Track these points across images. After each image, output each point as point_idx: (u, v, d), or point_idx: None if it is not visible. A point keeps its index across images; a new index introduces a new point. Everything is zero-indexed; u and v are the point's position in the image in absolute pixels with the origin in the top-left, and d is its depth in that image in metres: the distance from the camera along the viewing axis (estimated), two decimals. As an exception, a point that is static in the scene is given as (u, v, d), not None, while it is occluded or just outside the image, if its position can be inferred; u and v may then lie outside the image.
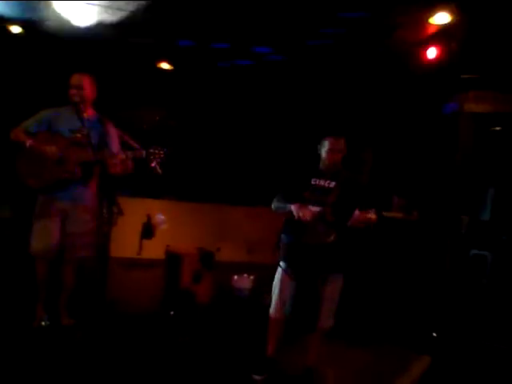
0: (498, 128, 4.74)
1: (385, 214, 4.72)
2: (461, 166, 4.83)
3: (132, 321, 3.69)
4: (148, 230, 5.71)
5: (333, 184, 2.94)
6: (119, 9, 4.10)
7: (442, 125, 5.03)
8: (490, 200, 4.56)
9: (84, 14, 4.24)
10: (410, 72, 4.79)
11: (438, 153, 5.06)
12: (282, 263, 3.00)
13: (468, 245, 4.55)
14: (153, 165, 3.11)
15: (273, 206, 3.06)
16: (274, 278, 3.06)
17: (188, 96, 6.24)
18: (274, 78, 5.69)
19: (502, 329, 3.93)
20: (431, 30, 4.19)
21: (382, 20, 4.05)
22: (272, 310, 3.04)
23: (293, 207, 2.82)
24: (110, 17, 4.27)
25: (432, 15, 3.92)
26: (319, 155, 3.07)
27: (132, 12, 4.13)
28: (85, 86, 3.24)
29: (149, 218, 5.74)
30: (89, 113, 3.27)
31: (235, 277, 4.83)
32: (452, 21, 3.91)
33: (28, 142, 3.15)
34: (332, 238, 2.83)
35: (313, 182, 2.97)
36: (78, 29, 4.46)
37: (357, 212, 2.68)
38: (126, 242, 5.30)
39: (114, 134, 3.32)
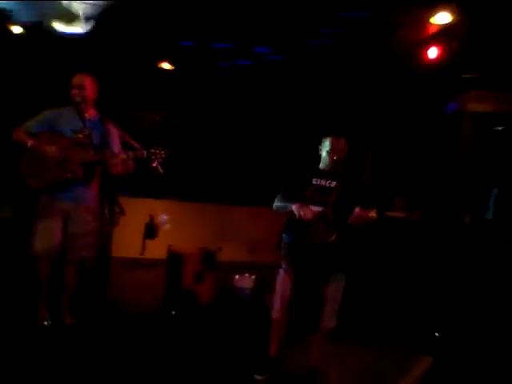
0: (499, 128, 4.74)
1: (387, 213, 4.73)
2: (462, 166, 4.82)
3: (134, 320, 3.69)
4: (151, 230, 5.70)
5: (334, 184, 2.94)
6: (119, 9, 4.11)
7: (444, 124, 5.01)
8: (493, 200, 4.56)
9: (84, 14, 4.25)
10: (411, 72, 4.78)
11: (439, 152, 5.06)
12: (283, 263, 3.00)
13: (470, 244, 4.54)
14: (154, 165, 3.11)
15: (274, 205, 3.06)
16: (275, 277, 3.06)
17: (189, 96, 6.24)
18: (275, 78, 5.68)
19: (506, 329, 3.91)
20: (432, 30, 4.19)
21: (382, 20, 4.05)
22: (274, 310, 3.03)
23: (294, 207, 2.82)
24: (109, 17, 4.27)
25: (433, 15, 3.93)
26: (320, 155, 3.07)
27: (132, 12, 4.14)
28: (86, 86, 3.24)
29: (152, 218, 5.74)
30: (90, 113, 3.27)
31: (237, 276, 4.83)
32: (453, 20, 3.91)
33: (29, 143, 3.16)
34: (333, 237, 2.83)
35: (314, 182, 2.97)
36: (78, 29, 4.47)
37: (357, 209, 2.68)
38: (127, 242, 5.29)
39: (115, 134, 3.33)
